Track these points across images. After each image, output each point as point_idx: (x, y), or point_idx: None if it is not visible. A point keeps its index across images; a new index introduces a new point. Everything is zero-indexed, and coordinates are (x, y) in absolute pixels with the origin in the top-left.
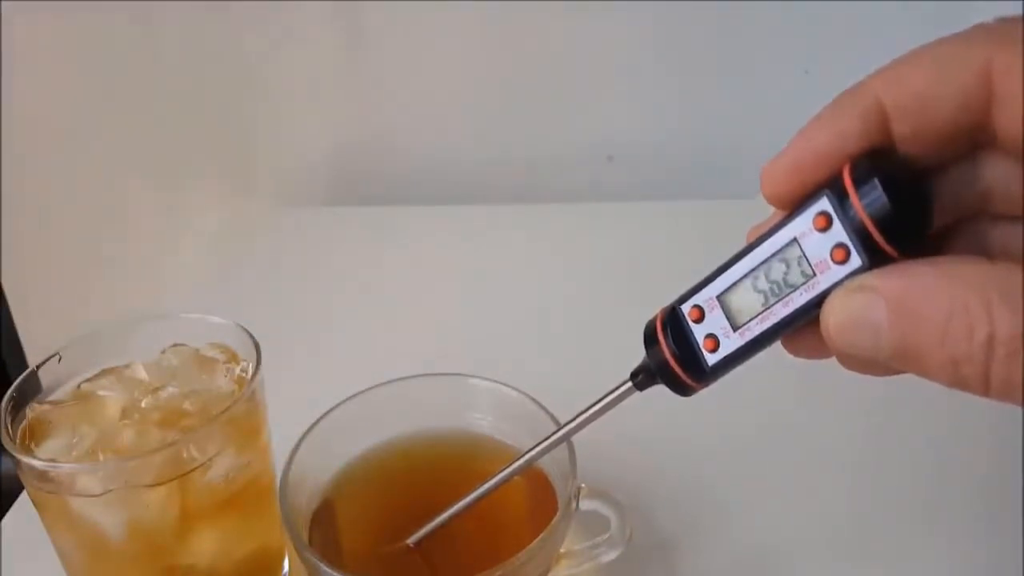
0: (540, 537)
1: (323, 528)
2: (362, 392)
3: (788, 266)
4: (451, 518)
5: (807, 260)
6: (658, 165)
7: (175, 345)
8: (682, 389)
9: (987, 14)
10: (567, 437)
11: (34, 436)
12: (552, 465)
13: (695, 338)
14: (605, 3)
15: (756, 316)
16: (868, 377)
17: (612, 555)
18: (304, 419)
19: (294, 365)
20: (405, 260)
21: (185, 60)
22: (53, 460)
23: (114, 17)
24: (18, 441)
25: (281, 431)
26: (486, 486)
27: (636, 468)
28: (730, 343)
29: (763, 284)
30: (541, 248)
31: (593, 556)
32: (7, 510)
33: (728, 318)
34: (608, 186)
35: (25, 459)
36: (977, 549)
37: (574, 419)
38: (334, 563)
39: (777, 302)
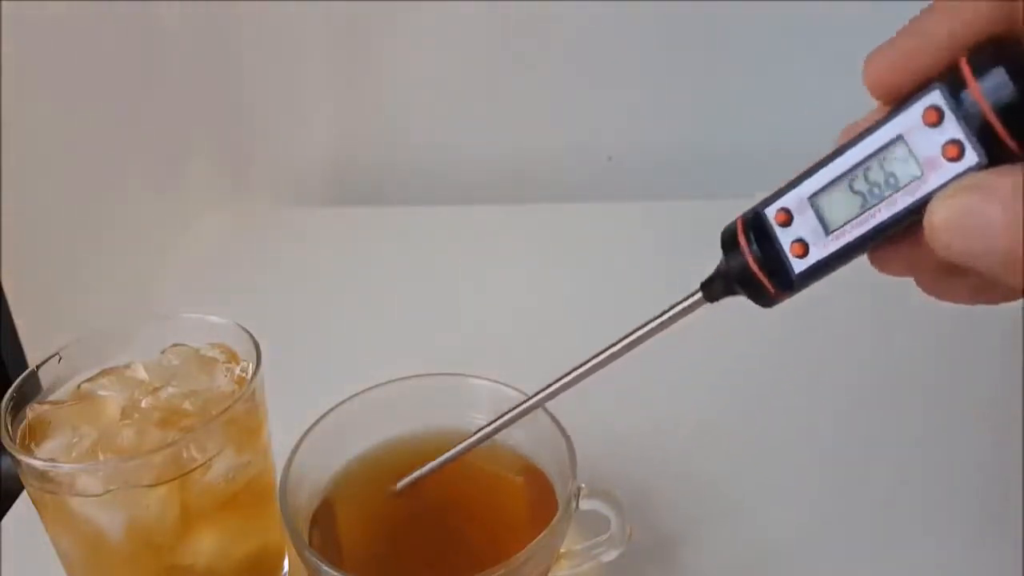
0: (540, 537)
1: (323, 528)
2: (362, 392)
3: (892, 165)
4: (453, 459)
5: (914, 158)
6: (658, 165)
7: (175, 345)
8: (764, 299)
9: None
10: (621, 353)
11: (34, 436)
12: (552, 465)
13: (781, 243)
14: (605, 3)
15: (852, 220)
16: (871, 376)
17: (612, 555)
18: (304, 419)
19: (294, 365)
20: (405, 260)
21: (185, 60)
22: (53, 460)
23: (114, 17)
24: (18, 441)
25: (281, 431)
26: (500, 421)
27: (636, 468)
28: (821, 249)
29: (862, 184)
30: (541, 248)
31: (593, 556)
32: (7, 510)
33: (820, 221)
34: (608, 186)
35: (25, 459)
36: (979, 548)
37: (632, 333)
38: (334, 563)
39: (877, 204)
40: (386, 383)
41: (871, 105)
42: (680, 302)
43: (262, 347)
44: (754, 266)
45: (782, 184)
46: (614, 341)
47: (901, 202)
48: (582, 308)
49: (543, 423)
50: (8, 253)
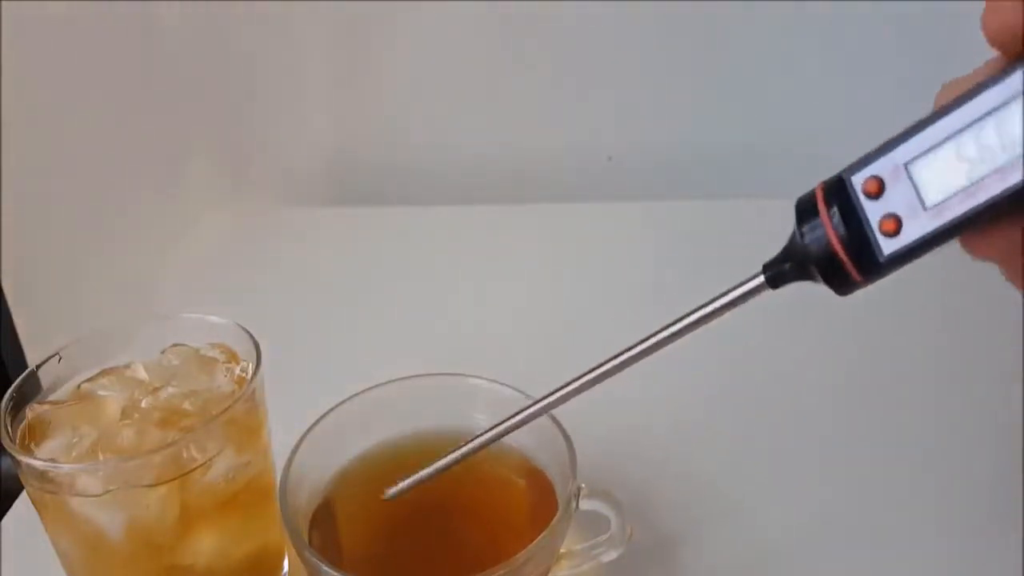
0: (540, 537)
1: (323, 528)
2: (362, 392)
3: (1012, 126)
4: (448, 466)
5: None
6: (658, 165)
7: (175, 345)
8: (843, 283)
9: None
10: (656, 349)
11: (34, 436)
12: (552, 465)
13: (868, 218)
14: (605, 3)
15: (958, 192)
16: (873, 375)
17: (612, 555)
18: (304, 419)
19: (294, 365)
20: (405, 260)
21: (185, 60)
22: (53, 460)
23: (114, 17)
24: (18, 441)
25: (281, 431)
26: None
27: (636, 467)
28: (917, 227)
29: (971, 150)
30: (541, 248)
31: (593, 556)
32: (7, 510)
33: (918, 193)
34: (608, 186)
35: (25, 459)
36: (980, 546)
37: (685, 316)
38: (334, 563)
39: (989, 175)
40: (386, 383)
41: (874, 106)
42: (736, 288)
43: (262, 347)
44: (837, 245)
45: (873, 148)
46: (659, 328)
47: (1019, 174)
48: (582, 308)
49: (543, 423)
50: (8, 253)
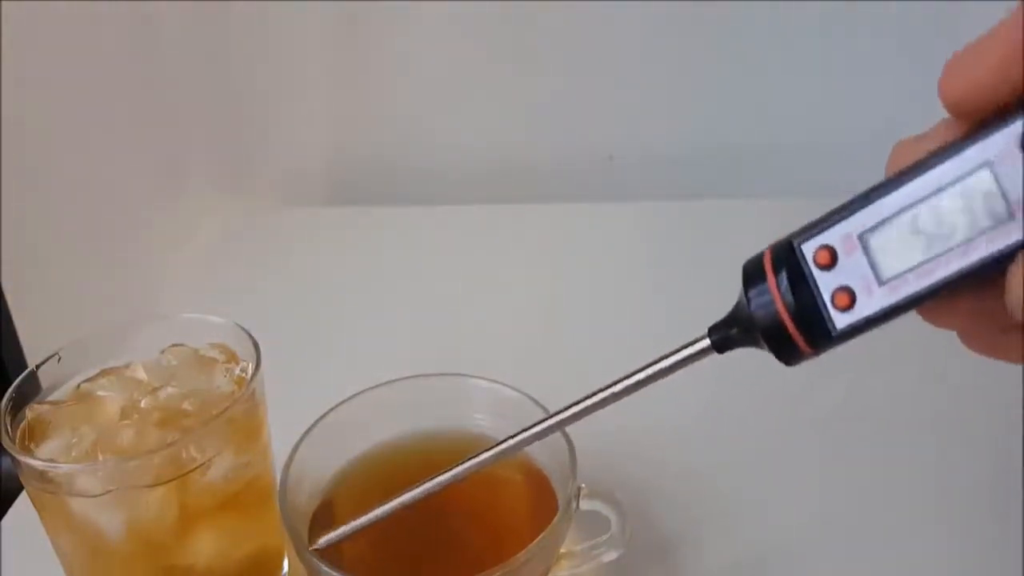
0: (540, 537)
1: (323, 528)
2: (362, 392)
3: (970, 200)
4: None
5: (1003, 194)
6: (658, 165)
7: (175, 345)
8: (790, 354)
9: (984, 14)
10: (609, 402)
11: (33, 436)
12: (552, 465)
13: (819, 290)
14: (606, 2)
15: (915, 267)
16: (870, 376)
17: (612, 555)
18: (304, 419)
19: (294, 365)
20: (405, 260)
21: (184, 60)
22: (52, 460)
23: (113, 17)
24: (17, 441)
25: (281, 431)
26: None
27: (636, 468)
28: (872, 302)
29: (928, 223)
30: (541, 248)
31: (593, 556)
32: (7, 510)
33: (873, 267)
34: (608, 186)
35: (25, 459)
36: (980, 547)
37: (618, 382)
38: (334, 563)
39: (948, 251)
40: (386, 383)
41: (874, 107)
42: (680, 350)
43: (262, 347)
44: (785, 316)
45: (825, 213)
46: (594, 391)
47: (979, 251)
48: (582, 308)
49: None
50: (8, 253)
